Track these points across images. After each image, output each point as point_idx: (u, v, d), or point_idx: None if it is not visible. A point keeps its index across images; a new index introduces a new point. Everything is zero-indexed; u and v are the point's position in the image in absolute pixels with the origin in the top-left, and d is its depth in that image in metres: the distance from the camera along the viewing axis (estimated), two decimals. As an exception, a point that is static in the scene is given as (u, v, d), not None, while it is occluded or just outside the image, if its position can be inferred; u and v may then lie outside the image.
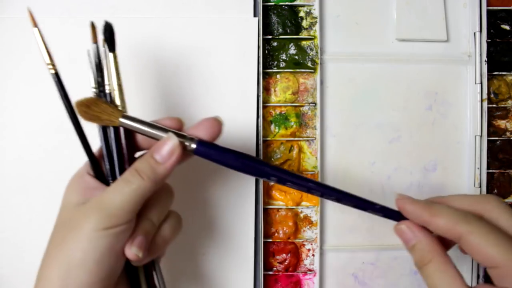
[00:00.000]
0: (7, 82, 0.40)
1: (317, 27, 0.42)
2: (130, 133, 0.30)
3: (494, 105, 0.44)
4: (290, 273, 0.43)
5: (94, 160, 0.30)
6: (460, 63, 0.43)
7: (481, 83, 0.43)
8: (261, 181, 0.41)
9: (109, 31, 0.30)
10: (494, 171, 0.44)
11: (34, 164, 0.40)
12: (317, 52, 0.42)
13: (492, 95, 0.44)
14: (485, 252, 0.26)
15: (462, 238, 0.27)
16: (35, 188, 0.40)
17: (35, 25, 0.29)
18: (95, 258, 0.26)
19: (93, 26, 0.30)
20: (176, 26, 0.41)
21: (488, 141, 0.43)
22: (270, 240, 0.42)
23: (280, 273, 0.43)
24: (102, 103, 0.29)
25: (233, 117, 0.40)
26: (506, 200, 0.44)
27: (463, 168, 0.44)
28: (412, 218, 0.29)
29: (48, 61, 0.29)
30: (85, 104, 0.29)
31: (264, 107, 0.42)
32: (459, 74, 0.44)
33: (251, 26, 0.41)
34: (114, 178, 0.30)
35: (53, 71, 0.29)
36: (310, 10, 0.43)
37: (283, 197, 0.43)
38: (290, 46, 0.43)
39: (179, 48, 0.41)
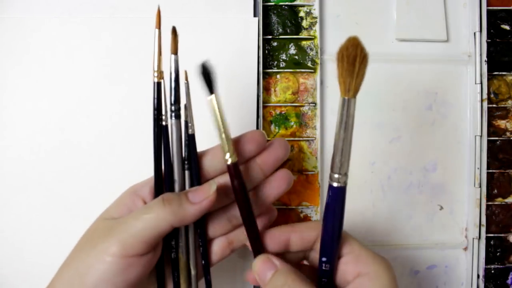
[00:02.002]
0: (7, 82, 0.40)
1: (317, 27, 0.42)
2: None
3: (494, 105, 0.44)
4: (290, 273, 0.43)
5: (160, 187, 0.29)
6: (460, 63, 0.43)
7: (481, 83, 0.43)
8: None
9: (206, 71, 0.27)
10: (494, 171, 0.44)
11: (34, 164, 0.40)
12: (317, 52, 0.42)
13: (492, 95, 0.44)
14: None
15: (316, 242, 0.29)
16: (35, 188, 0.40)
17: (158, 26, 0.28)
18: (101, 279, 0.25)
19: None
20: (176, 26, 0.41)
21: (488, 141, 0.43)
22: (270, 240, 0.42)
23: (280, 273, 0.42)
24: None
25: (233, 117, 0.40)
26: (506, 200, 0.44)
27: (463, 168, 0.44)
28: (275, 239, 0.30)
29: (156, 68, 0.28)
30: None
31: (264, 107, 0.42)
32: (459, 74, 0.44)
33: (251, 26, 0.41)
34: None
35: (156, 80, 0.28)
36: (310, 10, 0.43)
37: (284, 197, 0.43)
38: (290, 46, 0.43)
39: (179, 48, 0.41)
